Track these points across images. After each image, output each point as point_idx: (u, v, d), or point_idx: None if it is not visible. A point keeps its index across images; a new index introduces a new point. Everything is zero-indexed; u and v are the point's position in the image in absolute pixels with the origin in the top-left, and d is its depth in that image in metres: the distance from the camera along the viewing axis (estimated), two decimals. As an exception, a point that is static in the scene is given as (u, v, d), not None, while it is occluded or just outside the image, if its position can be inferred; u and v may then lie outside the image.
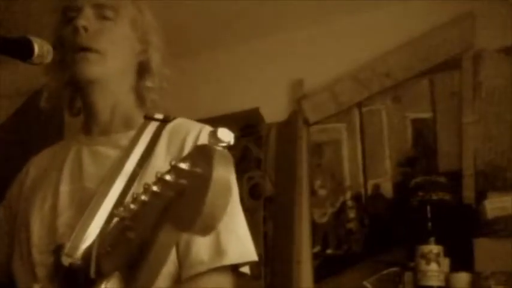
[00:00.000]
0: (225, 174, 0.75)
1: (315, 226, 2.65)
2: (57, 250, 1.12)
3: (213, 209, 0.75)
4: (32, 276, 1.24)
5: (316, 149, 2.72)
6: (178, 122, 1.31)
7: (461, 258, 2.22)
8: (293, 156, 2.73)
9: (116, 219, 0.94)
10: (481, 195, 2.29)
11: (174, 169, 0.79)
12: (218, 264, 1.20)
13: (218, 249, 1.20)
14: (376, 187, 2.55)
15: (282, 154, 2.77)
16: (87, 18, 1.28)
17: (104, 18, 1.31)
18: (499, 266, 2.16)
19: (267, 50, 2.82)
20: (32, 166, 1.44)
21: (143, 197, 0.85)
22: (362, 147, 2.62)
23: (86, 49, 1.27)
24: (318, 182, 2.69)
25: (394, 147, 2.54)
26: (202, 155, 0.77)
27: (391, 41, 2.55)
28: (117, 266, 0.95)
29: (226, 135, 0.78)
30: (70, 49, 1.29)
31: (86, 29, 1.28)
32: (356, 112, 2.65)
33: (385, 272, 2.41)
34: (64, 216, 1.25)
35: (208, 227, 0.77)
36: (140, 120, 1.32)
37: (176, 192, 0.79)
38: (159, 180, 0.81)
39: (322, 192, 2.68)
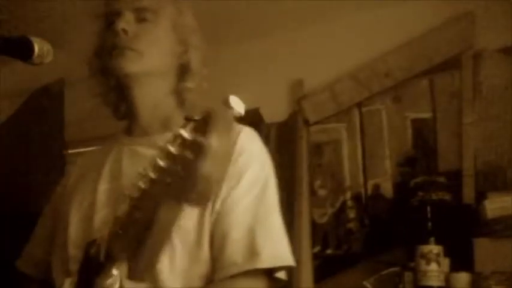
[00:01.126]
0: (222, 141, 0.72)
1: (315, 226, 2.65)
2: (89, 245, 1.13)
3: (207, 177, 0.72)
4: (65, 271, 1.26)
5: (316, 149, 2.72)
6: None
7: (461, 258, 2.22)
8: (293, 156, 2.72)
9: (128, 200, 0.93)
10: (481, 195, 2.29)
11: (177, 138, 0.75)
12: (251, 267, 1.19)
13: (252, 252, 1.19)
14: (376, 187, 2.55)
15: (282, 154, 2.77)
16: (126, 22, 1.31)
17: (144, 20, 1.33)
18: (499, 266, 2.16)
19: (267, 50, 2.82)
20: (76, 166, 1.47)
21: (151, 175, 0.82)
22: (362, 147, 2.62)
23: (124, 47, 1.30)
24: (318, 182, 2.69)
25: (394, 147, 2.54)
26: (206, 122, 0.73)
27: (391, 41, 2.55)
28: (126, 248, 0.94)
29: (236, 103, 0.75)
30: (109, 48, 1.32)
31: (125, 31, 1.30)
32: (356, 112, 2.65)
33: (385, 272, 2.41)
34: (101, 213, 1.27)
35: (203, 196, 0.75)
36: (180, 121, 1.33)
37: (182, 166, 0.76)
38: (167, 154, 0.78)
39: (322, 192, 2.68)
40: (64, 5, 2.58)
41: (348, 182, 2.62)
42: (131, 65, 1.30)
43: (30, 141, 3.04)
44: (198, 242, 1.20)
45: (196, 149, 0.73)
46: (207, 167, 0.72)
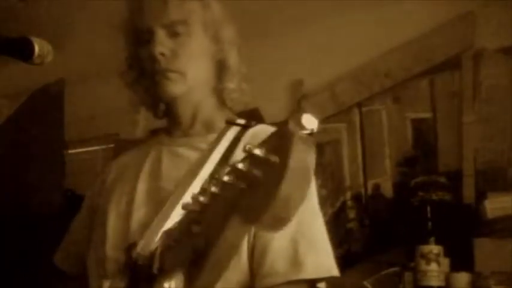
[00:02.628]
0: (303, 163, 0.68)
1: (315, 226, 2.65)
2: (130, 248, 1.12)
3: (287, 200, 0.67)
4: (102, 270, 1.24)
5: (316, 149, 2.71)
6: (260, 128, 1.29)
7: (461, 258, 2.22)
8: (293, 156, 2.72)
9: (183, 212, 0.90)
10: (481, 195, 2.29)
11: (248, 156, 0.71)
12: (294, 278, 1.16)
13: (295, 262, 1.16)
14: (376, 187, 2.55)
15: (282, 154, 2.77)
16: (161, 43, 1.28)
17: (177, 34, 1.30)
18: (499, 266, 2.16)
19: (267, 50, 2.82)
20: (114, 165, 1.46)
21: (213, 189, 0.78)
22: (362, 147, 2.62)
23: (166, 70, 1.28)
24: (318, 182, 2.69)
25: (394, 147, 2.54)
26: (280, 141, 0.69)
27: (391, 41, 2.55)
28: (180, 261, 0.92)
29: (311, 122, 0.72)
30: (149, 73, 1.30)
31: (163, 54, 1.28)
32: (356, 112, 2.65)
33: (385, 272, 2.41)
34: (139, 214, 1.25)
35: (280, 221, 0.70)
36: (221, 124, 1.32)
37: (248, 184, 0.72)
38: (232, 169, 0.74)
39: (322, 192, 2.67)
40: (64, 6, 2.59)
41: (348, 182, 2.62)
42: (177, 87, 1.29)
43: (30, 141, 3.04)
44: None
45: (267, 168, 0.69)
46: (286, 188, 0.67)
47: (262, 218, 0.68)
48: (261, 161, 0.69)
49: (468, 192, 2.31)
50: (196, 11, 1.32)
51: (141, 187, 1.29)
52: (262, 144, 0.70)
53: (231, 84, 1.36)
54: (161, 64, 1.28)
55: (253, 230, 1.15)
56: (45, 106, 3.07)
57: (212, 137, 1.30)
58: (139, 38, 1.33)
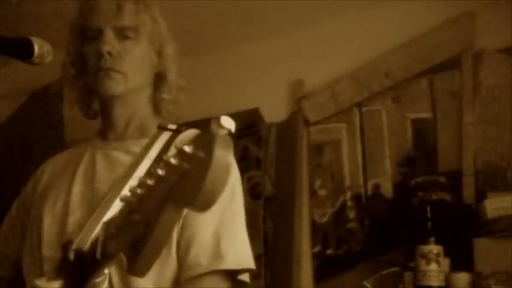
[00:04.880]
0: (223, 156, 0.82)
1: (315, 226, 2.65)
2: (66, 246, 1.17)
3: (213, 186, 0.82)
4: (39, 271, 1.28)
5: (316, 149, 2.72)
6: (190, 133, 1.34)
7: (461, 258, 2.22)
8: (293, 156, 2.72)
9: (122, 203, 0.98)
10: (481, 195, 2.29)
11: (179, 153, 0.85)
12: (215, 268, 1.25)
13: (217, 254, 1.25)
14: (376, 187, 2.55)
15: (282, 154, 2.77)
16: (109, 43, 1.33)
17: (125, 38, 1.35)
18: (499, 266, 2.16)
19: (267, 50, 2.82)
20: (48, 166, 1.49)
21: (149, 181, 0.89)
22: (362, 147, 2.62)
23: (109, 69, 1.33)
24: (318, 182, 2.69)
25: (394, 147, 2.54)
26: (205, 139, 0.84)
27: (391, 41, 2.55)
28: (121, 247, 0.99)
29: (228, 123, 0.85)
30: (93, 69, 1.35)
31: (109, 53, 1.32)
32: (356, 112, 2.65)
33: (385, 272, 2.41)
34: (74, 215, 1.30)
35: (208, 202, 0.85)
36: (154, 129, 1.37)
37: (179, 175, 0.85)
38: (165, 163, 0.87)
39: (322, 192, 2.68)
40: (64, 5, 2.58)
41: (348, 182, 2.62)
42: (117, 87, 1.34)
43: (30, 141, 3.04)
44: (167, 245, 1.24)
45: (195, 161, 0.83)
46: (211, 178, 0.81)
47: (194, 201, 0.83)
48: (189, 156, 0.84)
49: (468, 192, 2.32)
50: (146, 23, 1.38)
51: (76, 189, 1.34)
52: (190, 142, 0.85)
53: (167, 96, 1.42)
54: (107, 62, 1.32)
55: (182, 218, 1.24)
56: (45, 106, 3.08)
57: (145, 141, 1.35)
58: (85, 36, 1.37)
